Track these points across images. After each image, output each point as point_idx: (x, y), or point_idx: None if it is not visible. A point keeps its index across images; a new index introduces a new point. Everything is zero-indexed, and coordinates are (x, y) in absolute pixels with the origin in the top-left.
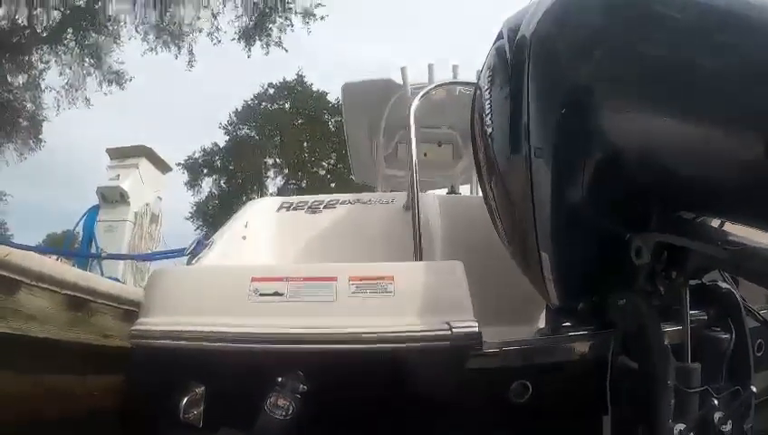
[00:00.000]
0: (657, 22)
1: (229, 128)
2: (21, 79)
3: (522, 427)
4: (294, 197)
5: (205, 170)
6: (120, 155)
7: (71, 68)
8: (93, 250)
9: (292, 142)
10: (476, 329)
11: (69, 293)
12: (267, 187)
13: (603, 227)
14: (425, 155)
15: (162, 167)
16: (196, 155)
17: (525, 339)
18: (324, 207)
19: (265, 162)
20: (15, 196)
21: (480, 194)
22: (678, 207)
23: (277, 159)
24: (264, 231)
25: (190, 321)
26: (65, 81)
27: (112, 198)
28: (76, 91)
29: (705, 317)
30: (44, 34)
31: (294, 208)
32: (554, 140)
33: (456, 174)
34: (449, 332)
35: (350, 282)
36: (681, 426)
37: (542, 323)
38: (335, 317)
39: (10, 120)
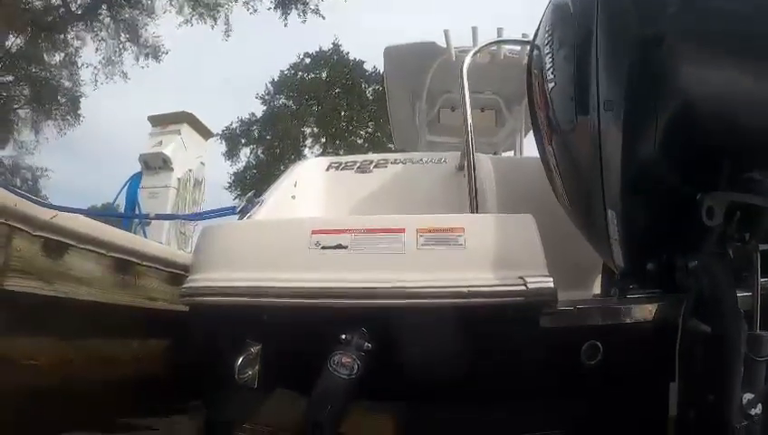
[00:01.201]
0: None
1: (266, 98)
2: (57, 57)
3: (592, 389)
4: (343, 157)
5: (242, 140)
6: (162, 122)
7: (106, 44)
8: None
9: (330, 111)
10: (552, 285)
11: (116, 255)
12: (305, 156)
13: (674, 186)
14: None
15: (204, 133)
16: (234, 126)
17: (598, 299)
18: (374, 167)
19: (303, 132)
20: (57, 171)
21: (532, 156)
22: (753, 165)
23: (314, 129)
24: (314, 191)
25: (246, 276)
26: (102, 57)
27: (155, 164)
28: (113, 66)
29: None
30: (79, 12)
31: (343, 168)
32: (626, 94)
33: (500, 140)
34: (524, 287)
35: (419, 234)
36: (749, 395)
37: (597, 290)
38: (403, 271)
39: (48, 98)
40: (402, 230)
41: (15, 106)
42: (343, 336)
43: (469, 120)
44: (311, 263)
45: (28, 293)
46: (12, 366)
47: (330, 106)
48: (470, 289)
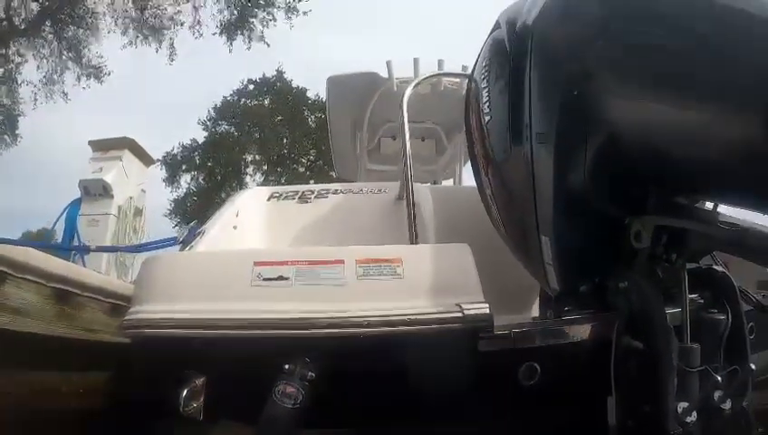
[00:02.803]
0: (654, 12)
1: (208, 124)
2: None
3: (531, 409)
4: (284, 186)
5: (183, 167)
6: (103, 147)
7: (48, 62)
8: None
9: (272, 138)
10: (488, 311)
11: (56, 286)
12: (246, 183)
13: (603, 211)
14: None
15: (146, 159)
16: (175, 151)
17: (534, 321)
18: (315, 197)
19: (244, 158)
20: None
21: (468, 185)
22: (676, 190)
23: (256, 156)
24: (255, 221)
25: (188, 308)
26: (43, 74)
27: (95, 190)
28: (54, 85)
29: (702, 301)
30: (22, 27)
31: (285, 198)
32: (557, 126)
33: (440, 168)
34: (461, 313)
35: (358, 265)
36: (684, 404)
37: (534, 312)
38: (343, 301)
39: None
40: (342, 262)
41: None
42: (286, 366)
43: (408, 151)
44: (253, 294)
45: None
46: None
47: (272, 133)
48: (409, 317)
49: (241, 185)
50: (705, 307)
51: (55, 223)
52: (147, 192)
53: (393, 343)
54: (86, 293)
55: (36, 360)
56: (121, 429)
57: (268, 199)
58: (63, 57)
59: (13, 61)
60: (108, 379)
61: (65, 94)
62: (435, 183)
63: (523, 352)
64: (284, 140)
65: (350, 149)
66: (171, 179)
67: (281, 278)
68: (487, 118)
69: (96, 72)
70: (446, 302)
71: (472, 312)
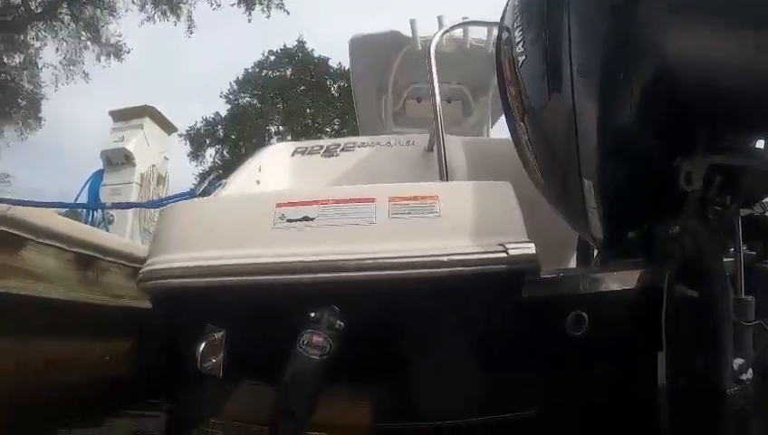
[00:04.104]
0: None
1: (230, 97)
2: (17, 58)
3: (578, 362)
4: (308, 141)
5: (207, 141)
6: (124, 117)
7: (67, 43)
8: (99, 216)
9: (295, 109)
10: (534, 251)
11: (78, 250)
12: None
13: (651, 152)
14: None
15: (167, 127)
16: (198, 125)
17: (581, 268)
18: (341, 150)
19: (268, 130)
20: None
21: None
22: (731, 128)
23: (280, 127)
24: (279, 175)
25: (206, 255)
26: (62, 57)
27: (117, 160)
28: (74, 66)
29: (754, 252)
30: (39, 11)
31: (309, 153)
32: (600, 62)
33: (467, 130)
34: (505, 254)
35: (391, 203)
36: (740, 360)
37: (572, 265)
38: (375, 242)
39: (8, 101)
40: (372, 200)
41: None
42: (312, 314)
43: (438, 99)
44: (276, 237)
45: None
46: None
47: (295, 104)
48: (448, 258)
49: None
50: (759, 258)
51: (78, 195)
52: (171, 165)
53: (429, 287)
54: (109, 257)
55: (59, 327)
56: (150, 394)
57: (292, 155)
58: (82, 38)
59: (32, 45)
60: (134, 345)
61: (86, 74)
62: None
63: (571, 299)
64: (308, 110)
65: (376, 113)
66: (195, 154)
67: (305, 219)
68: (522, 60)
69: (115, 51)
70: (487, 241)
71: (517, 252)
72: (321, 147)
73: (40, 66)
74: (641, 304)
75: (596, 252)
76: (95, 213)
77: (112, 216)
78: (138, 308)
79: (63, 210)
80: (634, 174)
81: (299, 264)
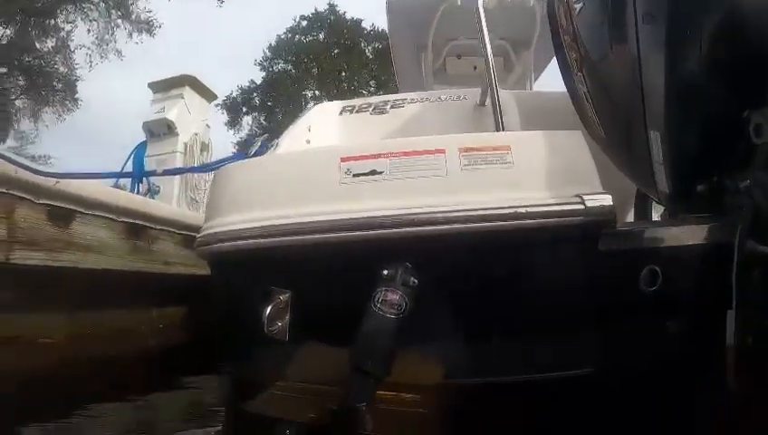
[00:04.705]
0: None
1: (265, 64)
2: (49, 43)
3: (647, 318)
4: (355, 100)
5: (244, 109)
6: (164, 87)
7: (98, 23)
8: (146, 188)
9: (330, 73)
10: (611, 202)
11: (127, 220)
12: None
13: (720, 102)
14: (474, 69)
15: (207, 95)
16: (234, 94)
17: (652, 222)
18: (391, 107)
19: (304, 95)
20: (60, 157)
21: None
22: None
23: (316, 91)
24: (329, 134)
25: (269, 215)
26: (94, 37)
27: (159, 130)
28: (107, 45)
29: None
30: None
31: (357, 111)
32: (668, 6)
33: (510, 86)
34: (582, 205)
35: (462, 154)
36: None
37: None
38: (448, 195)
39: (44, 85)
40: (442, 151)
41: (12, 97)
42: (386, 272)
43: (489, 51)
44: (343, 193)
45: (36, 266)
46: (25, 346)
47: (329, 68)
48: (525, 210)
49: None
50: None
51: (122, 168)
52: (210, 134)
53: (504, 241)
54: (158, 225)
55: (111, 298)
56: (205, 360)
57: (340, 114)
58: (112, 16)
59: (62, 29)
60: (187, 312)
61: (119, 52)
62: None
63: (646, 253)
64: (343, 74)
65: (416, 72)
66: (233, 122)
67: (373, 173)
68: (579, 11)
69: (147, 27)
70: (563, 193)
71: (594, 203)
72: (370, 104)
73: (72, 48)
74: (712, 260)
75: (654, 207)
76: (141, 184)
77: (158, 186)
78: (189, 275)
79: (110, 183)
80: (703, 125)
81: (369, 220)
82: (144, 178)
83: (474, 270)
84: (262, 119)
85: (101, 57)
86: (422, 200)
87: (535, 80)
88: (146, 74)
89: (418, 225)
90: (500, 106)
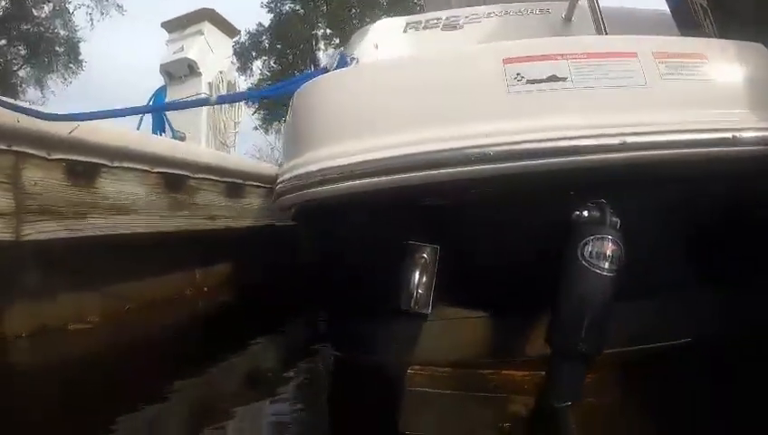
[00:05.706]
0: None
1: (271, 5)
2: (47, 8)
3: None
4: (419, 15)
5: (253, 53)
6: (180, 25)
7: None
8: (169, 136)
9: (340, 10)
10: None
11: (162, 170)
12: (320, 59)
13: None
14: None
15: (229, 30)
16: (242, 39)
17: None
18: (464, 23)
19: (314, 34)
20: None
21: None
22: None
23: (326, 30)
24: (401, 53)
25: (392, 141)
26: None
27: (180, 72)
28: (106, 0)
29: None
30: None
31: (425, 27)
32: None
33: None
34: None
35: (657, 60)
36: None
37: None
38: (652, 111)
39: (46, 51)
40: (633, 54)
41: (15, 68)
42: (586, 213)
43: None
44: (513, 105)
45: (56, 239)
46: (59, 333)
47: (339, 5)
48: (754, 133)
49: (314, 61)
50: None
51: (141, 119)
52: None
53: (723, 172)
54: (198, 174)
55: (148, 264)
56: (259, 321)
57: (404, 31)
58: None
59: None
60: (234, 270)
61: (120, 7)
62: None
63: None
64: (353, 11)
65: None
66: (243, 68)
67: (553, 79)
68: None
69: None
70: None
71: None
72: (439, 19)
73: (71, 10)
74: None
75: None
76: (162, 132)
77: (182, 133)
78: (235, 228)
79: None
80: None
81: (555, 144)
82: (167, 126)
83: (679, 210)
84: (272, 62)
85: (102, 14)
86: (623, 118)
87: None
88: (151, 24)
89: (622, 150)
90: (601, 13)
